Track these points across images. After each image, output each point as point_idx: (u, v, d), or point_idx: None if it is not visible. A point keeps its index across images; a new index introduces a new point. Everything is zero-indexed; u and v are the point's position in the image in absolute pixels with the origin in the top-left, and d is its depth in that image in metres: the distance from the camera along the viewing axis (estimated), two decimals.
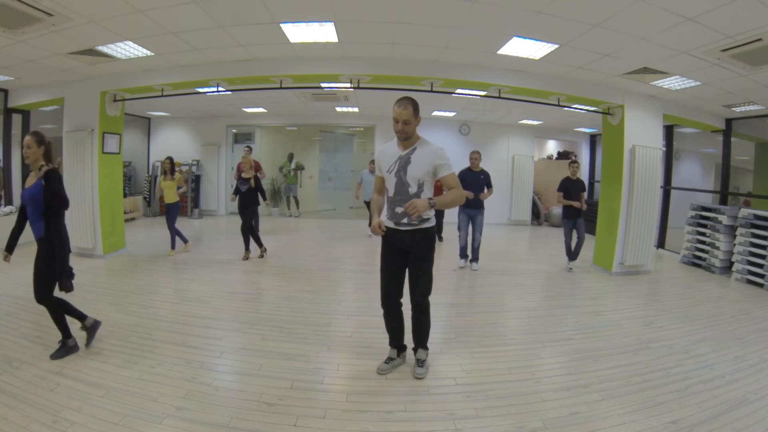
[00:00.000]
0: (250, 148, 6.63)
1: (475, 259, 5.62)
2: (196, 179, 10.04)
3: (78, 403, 2.26)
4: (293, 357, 2.93)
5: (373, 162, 7.90)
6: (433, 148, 2.51)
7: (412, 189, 2.49)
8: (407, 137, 2.49)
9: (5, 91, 6.31)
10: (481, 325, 3.69)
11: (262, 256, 5.82)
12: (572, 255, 5.68)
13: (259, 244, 5.84)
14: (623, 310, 4.27)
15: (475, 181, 5.44)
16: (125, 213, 7.42)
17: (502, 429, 2.22)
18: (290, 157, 10.45)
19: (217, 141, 10.24)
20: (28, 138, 2.68)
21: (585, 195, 5.58)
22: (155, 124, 10.50)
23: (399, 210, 2.51)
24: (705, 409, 2.43)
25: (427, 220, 2.56)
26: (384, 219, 2.61)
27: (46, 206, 2.66)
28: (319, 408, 2.35)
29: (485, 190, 5.51)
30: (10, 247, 2.83)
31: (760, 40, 3.36)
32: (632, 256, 5.59)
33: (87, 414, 2.18)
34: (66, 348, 2.82)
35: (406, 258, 2.60)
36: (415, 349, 2.80)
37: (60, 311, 2.82)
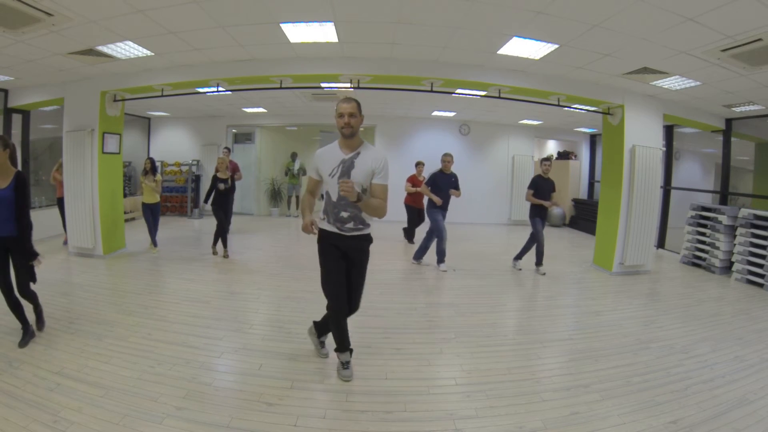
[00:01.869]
0: (229, 150, 6.84)
1: (441, 260, 5.55)
2: (196, 179, 10.03)
3: (78, 403, 2.26)
4: (293, 357, 2.93)
5: None
6: (377, 154, 2.49)
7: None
8: (352, 133, 2.46)
9: (5, 91, 6.31)
10: (481, 325, 3.69)
11: (226, 256, 5.82)
12: (520, 254, 5.66)
13: (225, 244, 5.92)
14: (623, 310, 4.27)
15: (447, 183, 5.45)
16: (125, 213, 7.41)
17: (502, 429, 2.22)
18: (293, 156, 10.43)
19: (217, 141, 10.23)
20: None
21: (554, 196, 5.51)
22: (155, 124, 10.50)
23: (344, 215, 2.48)
24: (705, 409, 2.43)
25: (368, 226, 2.57)
26: (325, 225, 2.56)
27: (20, 208, 2.81)
28: (319, 408, 2.35)
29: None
30: None
31: (760, 40, 3.35)
32: (632, 256, 5.59)
33: (87, 414, 2.18)
34: (30, 334, 3.00)
35: (345, 262, 2.58)
36: (342, 352, 2.73)
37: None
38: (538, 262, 5.57)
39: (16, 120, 6.75)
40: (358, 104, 2.48)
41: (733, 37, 3.38)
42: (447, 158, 5.52)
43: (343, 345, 2.70)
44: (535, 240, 5.47)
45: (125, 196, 8.17)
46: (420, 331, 3.49)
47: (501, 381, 2.71)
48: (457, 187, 5.51)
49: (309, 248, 6.83)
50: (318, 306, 4.00)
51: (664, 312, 4.23)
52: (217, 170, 5.91)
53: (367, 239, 2.60)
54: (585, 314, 4.10)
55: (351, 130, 2.45)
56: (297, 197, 10.37)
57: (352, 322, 3.61)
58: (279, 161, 10.98)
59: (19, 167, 2.99)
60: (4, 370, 2.58)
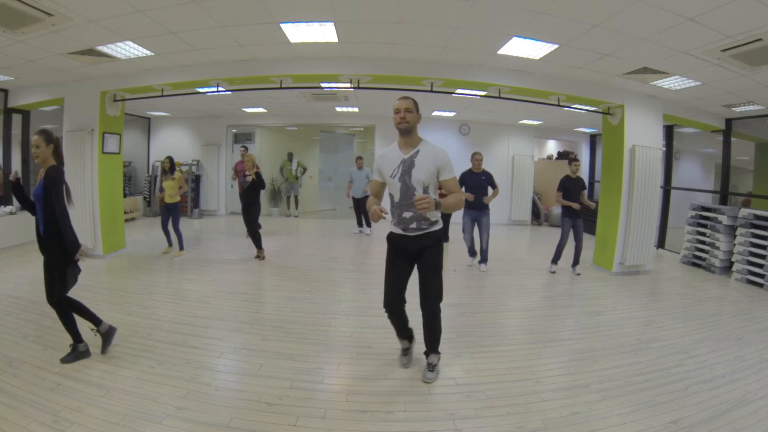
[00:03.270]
0: (246, 147, 6.62)
1: (483, 260, 5.57)
2: (196, 179, 10.03)
3: (78, 403, 2.26)
4: (293, 357, 2.93)
5: (360, 158, 7.92)
6: (437, 150, 2.48)
7: (419, 192, 2.45)
8: (409, 130, 2.45)
9: (5, 91, 6.31)
10: (481, 325, 3.69)
11: (259, 257, 5.79)
12: (574, 260, 5.56)
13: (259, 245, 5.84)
14: (623, 310, 4.27)
15: (477, 182, 5.40)
16: (125, 213, 7.42)
17: (502, 429, 2.22)
18: (290, 156, 10.43)
19: (217, 141, 10.24)
20: (35, 137, 2.63)
21: (586, 193, 5.45)
22: (155, 124, 10.50)
23: (407, 215, 2.48)
24: (705, 409, 2.43)
25: (435, 222, 2.54)
26: (390, 226, 2.60)
27: (46, 205, 2.57)
28: (319, 408, 2.35)
29: (489, 192, 5.48)
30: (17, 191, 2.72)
31: (760, 40, 3.35)
32: (632, 256, 5.59)
33: (87, 414, 2.18)
34: (77, 353, 2.76)
35: (413, 263, 2.59)
36: (426, 353, 2.78)
37: (70, 313, 2.73)
38: (553, 261, 5.60)
39: (16, 120, 6.76)
40: (415, 102, 2.48)
41: (733, 37, 3.38)
42: (477, 156, 5.46)
43: (401, 333, 2.81)
44: (560, 239, 5.48)
45: (125, 196, 8.17)
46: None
47: (501, 381, 2.71)
48: (493, 185, 5.49)
49: (309, 248, 6.83)
50: (318, 306, 4.01)
51: (664, 312, 4.23)
52: (240, 170, 5.81)
53: (433, 236, 2.53)
54: (585, 314, 4.10)
55: (407, 125, 2.44)
56: (296, 197, 10.37)
57: (352, 322, 3.63)
58: (279, 161, 10.98)
59: (63, 163, 2.75)
60: (4, 370, 2.58)
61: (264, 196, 10.78)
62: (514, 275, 5.46)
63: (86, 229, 5.52)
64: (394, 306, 2.63)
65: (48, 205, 2.57)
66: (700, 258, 6.33)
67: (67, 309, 2.72)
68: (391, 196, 2.54)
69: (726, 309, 4.45)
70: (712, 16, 3.05)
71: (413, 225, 2.49)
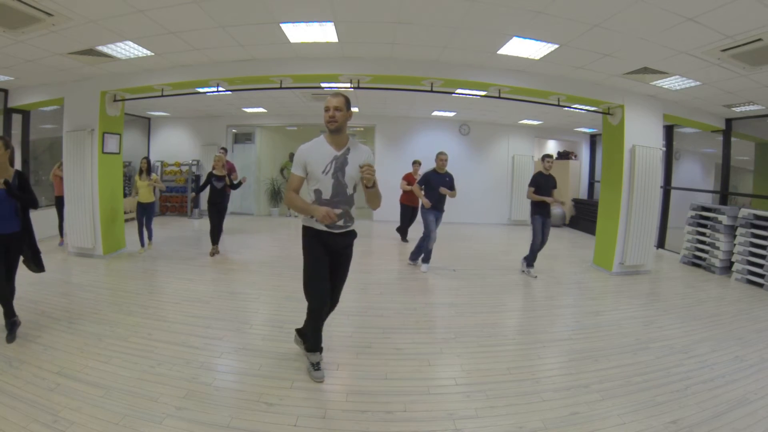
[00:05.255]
0: (225, 150, 6.87)
1: (427, 259, 5.50)
2: (196, 179, 10.03)
3: (78, 403, 2.26)
4: (293, 357, 2.93)
5: None
6: (366, 149, 2.55)
7: (350, 190, 2.49)
8: (338, 128, 2.44)
9: (5, 91, 6.31)
10: (481, 325, 3.69)
11: (213, 255, 5.89)
12: (529, 261, 5.38)
13: (214, 241, 5.98)
14: (623, 310, 4.27)
15: (441, 183, 5.25)
16: (125, 213, 7.40)
17: (502, 429, 2.22)
18: (291, 156, 10.42)
19: (217, 141, 10.23)
20: None
21: (556, 192, 5.29)
22: (155, 124, 10.50)
23: (337, 211, 2.43)
24: (705, 409, 2.43)
25: (353, 221, 2.60)
26: (311, 223, 2.52)
27: (24, 205, 3.01)
28: (319, 408, 2.35)
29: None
30: None
31: (760, 40, 3.36)
32: (632, 256, 5.59)
33: (87, 414, 2.18)
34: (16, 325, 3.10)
35: (331, 260, 2.58)
36: (313, 352, 2.72)
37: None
38: (529, 263, 5.40)
39: (16, 120, 6.76)
40: (347, 100, 2.47)
41: (733, 37, 3.38)
42: (442, 157, 5.30)
43: (316, 345, 2.70)
44: (533, 239, 5.29)
45: (125, 196, 8.17)
46: (420, 331, 3.49)
47: (501, 381, 2.71)
48: (451, 188, 5.31)
49: None
50: None
51: (664, 312, 4.23)
52: (213, 167, 5.96)
53: (353, 235, 2.64)
54: (585, 314, 4.10)
55: (336, 125, 2.43)
56: None
57: (353, 322, 3.63)
58: (279, 161, 10.98)
59: (19, 167, 3.18)
60: (4, 370, 2.58)
61: (264, 196, 10.80)
62: (513, 275, 5.46)
63: (86, 229, 5.52)
64: (324, 306, 2.56)
65: (27, 201, 3.03)
66: (700, 258, 6.33)
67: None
68: (319, 192, 2.47)
69: (726, 309, 4.45)
70: (712, 16, 3.05)
71: (340, 222, 2.49)
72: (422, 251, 5.52)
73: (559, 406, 2.44)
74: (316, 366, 2.67)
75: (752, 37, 3.33)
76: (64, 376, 2.55)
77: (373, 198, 2.47)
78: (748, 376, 2.87)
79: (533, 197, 5.23)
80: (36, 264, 3.24)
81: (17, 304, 3.74)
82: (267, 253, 5.91)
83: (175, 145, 10.32)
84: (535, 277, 5.32)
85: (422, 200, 5.28)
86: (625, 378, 2.78)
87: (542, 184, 5.23)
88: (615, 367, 2.95)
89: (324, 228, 2.48)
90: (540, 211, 5.26)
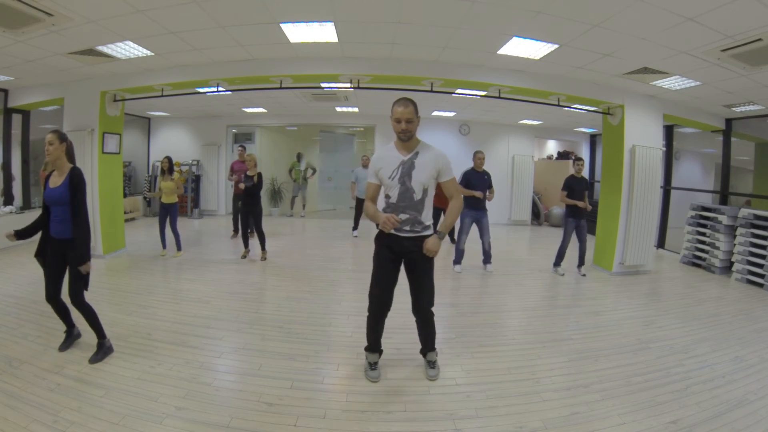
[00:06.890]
0: (245, 147, 6.58)
1: (488, 260, 5.53)
2: (196, 179, 10.04)
3: (78, 403, 2.26)
4: (293, 357, 2.93)
5: (366, 157, 7.79)
6: (436, 152, 2.49)
7: (417, 195, 2.44)
8: (410, 137, 2.44)
9: (5, 91, 6.31)
10: (481, 325, 3.69)
11: (244, 257, 5.82)
12: (579, 260, 5.51)
13: (254, 243, 5.88)
14: (623, 310, 4.27)
15: (480, 182, 5.30)
16: (125, 213, 7.42)
17: (502, 429, 2.22)
18: (299, 157, 10.37)
19: (217, 141, 10.24)
20: (50, 135, 2.66)
21: (587, 194, 5.41)
22: (155, 124, 10.50)
23: (403, 216, 2.45)
24: (705, 409, 2.43)
25: (428, 227, 2.54)
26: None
27: (73, 207, 2.63)
28: (319, 408, 2.35)
29: (487, 192, 5.44)
30: (24, 235, 2.71)
31: (760, 40, 3.35)
32: (632, 256, 5.59)
33: (87, 414, 2.18)
34: (104, 349, 2.83)
35: (400, 265, 2.59)
36: (424, 352, 2.79)
37: (93, 315, 2.84)
38: (556, 263, 5.54)
39: (16, 120, 6.76)
40: (415, 107, 2.42)
41: (733, 37, 3.38)
42: (480, 155, 5.34)
43: (375, 346, 2.74)
44: (563, 240, 5.41)
45: (125, 196, 8.17)
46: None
47: (501, 381, 2.71)
48: (490, 186, 5.39)
49: (309, 248, 6.83)
50: (318, 306, 4.01)
51: (664, 312, 4.23)
52: (237, 170, 5.81)
53: (424, 240, 2.51)
54: (585, 314, 4.10)
55: (408, 135, 2.42)
56: (303, 197, 10.35)
57: (353, 322, 3.63)
58: (279, 161, 10.96)
59: (76, 163, 2.78)
60: (4, 370, 2.58)
61: (264, 196, 10.79)
62: (513, 275, 5.46)
63: None
64: (385, 309, 2.61)
65: (74, 207, 2.63)
66: (700, 258, 6.33)
67: (89, 305, 2.80)
68: (387, 197, 2.51)
69: (726, 309, 4.45)
70: (712, 16, 3.05)
71: (407, 227, 2.49)
72: (485, 254, 5.54)
73: (559, 406, 2.44)
74: (372, 366, 2.73)
75: (752, 37, 3.33)
76: (64, 376, 2.55)
77: (451, 222, 2.53)
78: (748, 376, 2.87)
79: (566, 201, 5.33)
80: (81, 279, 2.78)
81: (17, 303, 3.76)
82: (268, 253, 5.90)
83: (174, 145, 10.30)
84: (563, 275, 5.43)
85: (474, 194, 5.23)
86: (625, 378, 2.78)
87: (575, 187, 5.31)
88: (615, 367, 2.95)
89: (391, 231, 2.48)
90: (572, 213, 5.36)
